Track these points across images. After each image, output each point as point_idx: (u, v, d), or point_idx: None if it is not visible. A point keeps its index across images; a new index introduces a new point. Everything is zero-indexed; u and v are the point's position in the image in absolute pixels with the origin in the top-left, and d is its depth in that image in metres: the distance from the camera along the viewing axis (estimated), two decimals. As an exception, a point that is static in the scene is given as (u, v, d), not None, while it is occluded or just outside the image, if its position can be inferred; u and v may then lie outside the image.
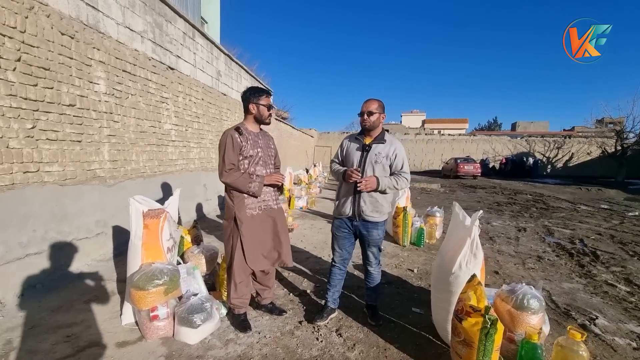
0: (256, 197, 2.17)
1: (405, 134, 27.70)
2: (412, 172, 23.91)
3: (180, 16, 5.07)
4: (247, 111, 2.27)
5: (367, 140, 2.29)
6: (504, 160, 22.27)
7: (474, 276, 1.93)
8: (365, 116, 2.23)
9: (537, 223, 6.32)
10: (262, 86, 9.82)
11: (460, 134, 28.08)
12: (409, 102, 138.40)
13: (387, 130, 2.60)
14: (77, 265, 3.09)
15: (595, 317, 2.60)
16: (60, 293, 2.69)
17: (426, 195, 10.68)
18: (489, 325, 1.64)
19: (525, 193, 11.58)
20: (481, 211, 2.22)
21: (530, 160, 21.29)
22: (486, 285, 3.07)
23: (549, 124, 39.05)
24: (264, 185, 2.19)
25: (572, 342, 1.78)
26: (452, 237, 2.29)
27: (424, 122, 49.71)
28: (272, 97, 2.32)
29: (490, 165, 22.88)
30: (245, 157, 2.17)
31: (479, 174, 18.07)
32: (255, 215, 2.19)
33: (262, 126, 2.38)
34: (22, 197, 2.61)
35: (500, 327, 1.66)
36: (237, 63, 7.68)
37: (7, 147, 2.49)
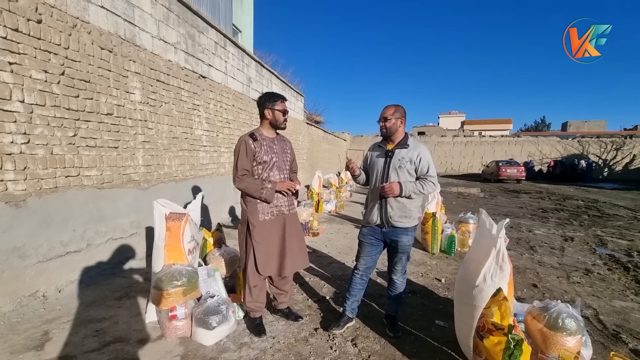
0: (268, 202, 2.17)
1: (442, 136, 26.70)
2: (449, 176, 22.65)
3: (212, 27, 5.29)
4: (262, 116, 2.29)
5: (390, 146, 2.25)
6: (552, 163, 20.59)
7: (499, 290, 1.77)
8: (382, 122, 2.22)
9: (587, 232, 5.74)
10: (292, 91, 9.97)
11: (502, 136, 26.45)
12: (448, 103, 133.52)
13: (411, 135, 2.53)
14: (112, 263, 3.29)
15: (651, 342, 2.28)
16: (95, 289, 2.89)
17: (463, 200, 10.16)
18: (512, 346, 1.49)
19: (577, 199, 10.60)
20: (508, 219, 2.03)
21: (583, 162, 19.49)
22: (522, 299, 2.84)
23: (606, 123, 35.63)
24: (276, 191, 2.19)
25: (615, 371, 1.57)
26: (477, 247, 2.12)
27: (463, 123, 47.60)
28: (287, 102, 2.32)
29: (537, 169, 21.28)
30: (259, 163, 2.18)
31: (523, 178, 16.86)
32: (267, 220, 2.19)
33: (279, 131, 2.39)
34: (64, 199, 2.84)
35: (526, 348, 1.51)
36: (267, 69, 7.86)
37: (52, 153, 2.72)
